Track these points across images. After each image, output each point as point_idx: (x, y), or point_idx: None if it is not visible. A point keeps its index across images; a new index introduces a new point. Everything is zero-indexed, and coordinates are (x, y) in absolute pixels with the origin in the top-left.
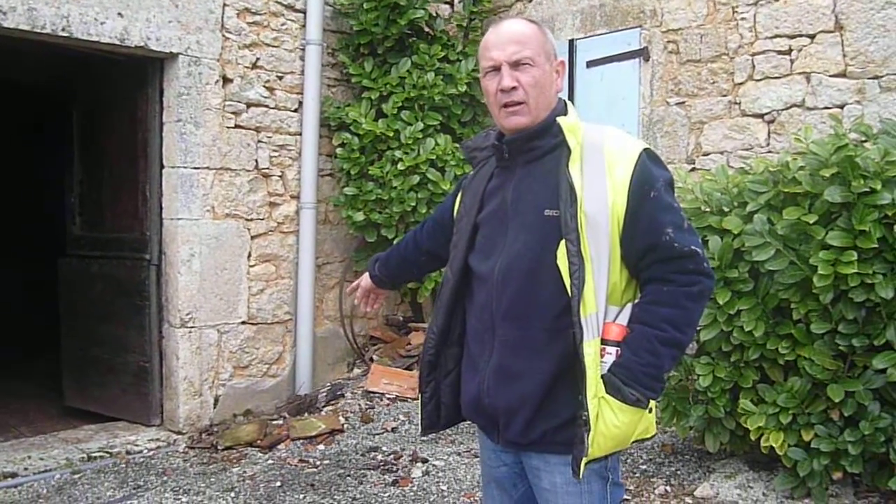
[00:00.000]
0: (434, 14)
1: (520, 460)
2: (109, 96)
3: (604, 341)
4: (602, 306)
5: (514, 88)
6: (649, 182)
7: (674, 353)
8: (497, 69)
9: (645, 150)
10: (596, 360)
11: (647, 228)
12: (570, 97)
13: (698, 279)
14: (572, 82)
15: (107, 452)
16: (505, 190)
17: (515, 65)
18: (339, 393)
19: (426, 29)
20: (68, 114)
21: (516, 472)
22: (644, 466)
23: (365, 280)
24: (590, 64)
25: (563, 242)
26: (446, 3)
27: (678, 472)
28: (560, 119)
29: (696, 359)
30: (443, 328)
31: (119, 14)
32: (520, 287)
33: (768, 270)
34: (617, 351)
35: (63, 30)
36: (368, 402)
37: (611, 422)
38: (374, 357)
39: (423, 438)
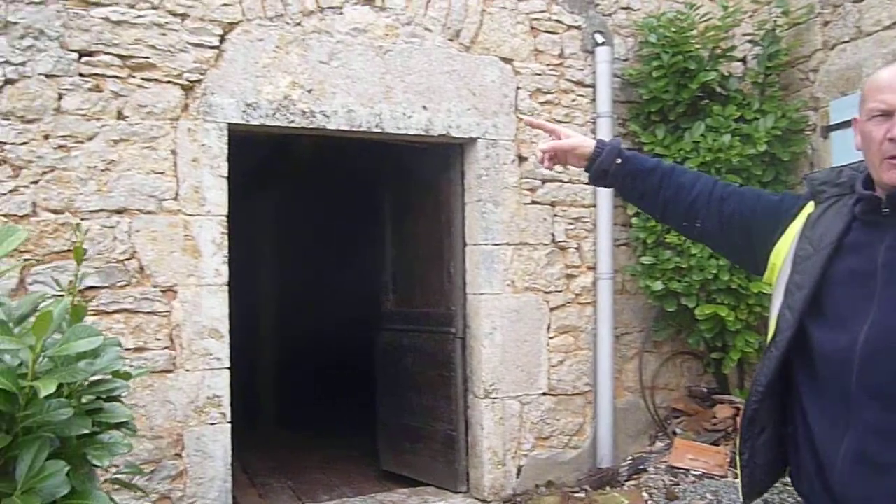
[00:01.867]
0: (726, 74)
1: None
2: (416, 180)
3: None
4: None
5: None
6: None
7: None
8: (888, 115)
9: None
10: None
11: None
12: None
13: None
14: None
15: None
16: (873, 248)
17: None
18: (641, 467)
19: (719, 90)
20: (380, 197)
21: None
22: None
23: (576, 142)
24: None
25: None
26: (738, 60)
27: None
28: None
29: None
30: (772, 380)
31: (423, 107)
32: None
33: None
34: None
35: (376, 126)
36: (672, 479)
37: None
38: (677, 430)
39: None
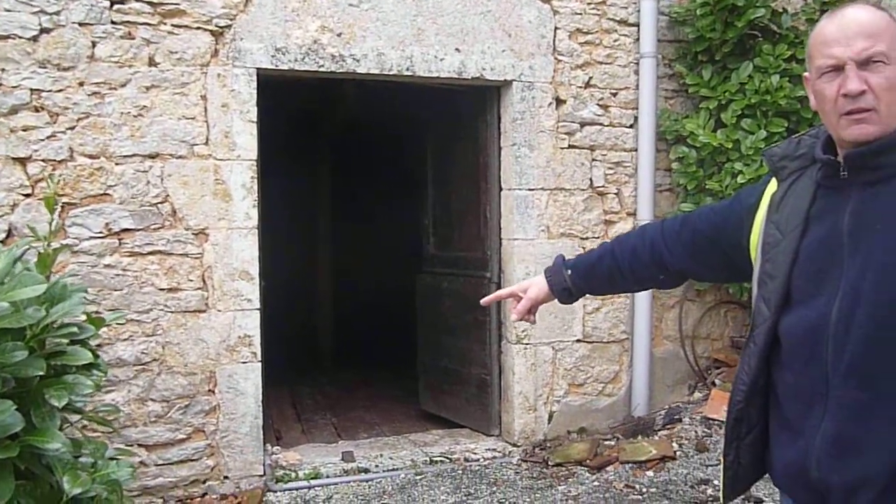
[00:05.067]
0: (780, 10)
1: None
2: (455, 124)
3: None
4: None
5: (862, 93)
6: None
7: None
8: (839, 69)
9: None
10: None
11: None
12: None
13: None
14: None
15: (447, 458)
16: (837, 215)
17: (864, 63)
18: (675, 417)
19: (772, 27)
20: (423, 141)
21: None
22: None
23: (535, 291)
24: None
25: None
26: None
27: None
28: None
29: None
30: (755, 378)
31: (456, 49)
32: (868, 336)
33: None
34: None
35: (407, 69)
36: (706, 430)
37: None
38: (717, 381)
39: None
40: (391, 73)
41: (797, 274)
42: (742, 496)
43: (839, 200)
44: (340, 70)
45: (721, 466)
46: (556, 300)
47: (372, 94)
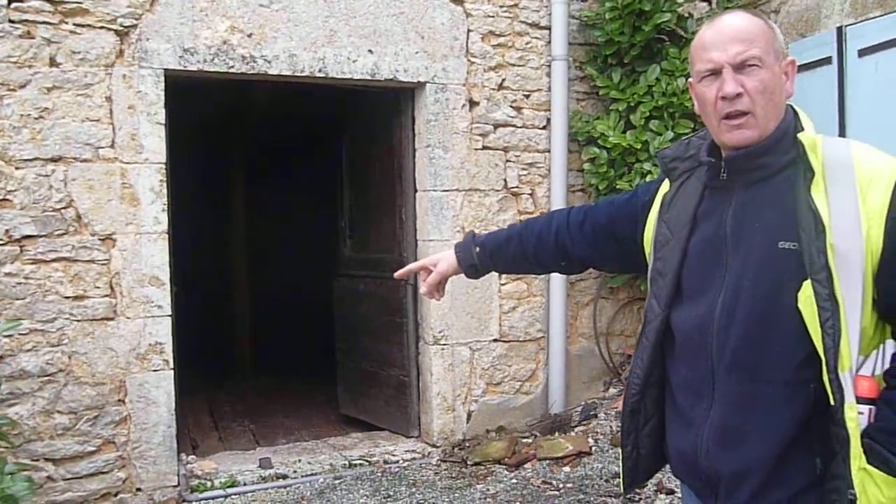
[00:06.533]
0: (686, 15)
1: None
2: (370, 126)
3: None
4: (855, 359)
5: (738, 96)
6: None
7: None
8: (717, 73)
9: None
10: (858, 424)
11: None
12: (840, 91)
13: None
14: (842, 74)
15: (366, 461)
16: (721, 215)
17: (740, 67)
18: (591, 413)
19: (678, 31)
20: (339, 143)
21: None
22: None
23: (445, 265)
24: (862, 53)
25: (807, 283)
26: (703, 0)
27: None
28: (801, 135)
29: None
30: (648, 372)
31: (369, 51)
32: (748, 333)
33: None
34: (870, 410)
35: (319, 71)
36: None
37: (875, 498)
38: None
39: None
40: (304, 74)
41: (686, 272)
42: (656, 488)
43: (723, 200)
44: (251, 71)
45: (621, 456)
46: (461, 272)
47: (287, 95)
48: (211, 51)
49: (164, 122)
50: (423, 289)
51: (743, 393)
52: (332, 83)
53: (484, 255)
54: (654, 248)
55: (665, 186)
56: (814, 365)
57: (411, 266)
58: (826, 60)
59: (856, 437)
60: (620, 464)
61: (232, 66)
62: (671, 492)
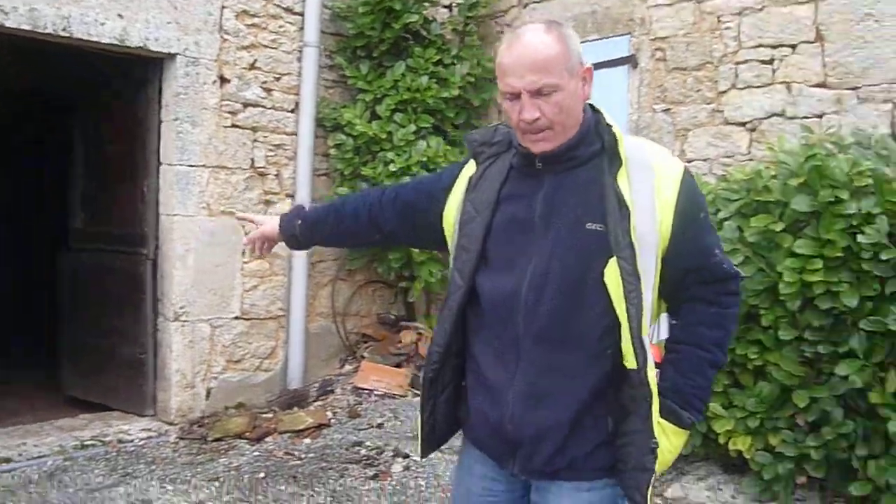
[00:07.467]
0: (430, 18)
1: (525, 492)
2: (113, 95)
3: None
4: (650, 326)
5: (536, 120)
6: (697, 204)
7: (714, 375)
8: (517, 96)
9: (686, 169)
10: (655, 383)
11: (695, 250)
12: None
13: (737, 301)
14: None
15: (99, 441)
16: (531, 198)
17: (537, 93)
18: (329, 388)
19: (422, 33)
20: (72, 106)
21: (513, 502)
22: None
23: (269, 228)
24: None
25: (613, 260)
26: (445, 6)
27: None
28: (615, 130)
29: None
30: (449, 341)
31: (119, 15)
32: (557, 307)
33: None
34: (657, 373)
35: (64, 30)
36: (357, 399)
37: (665, 447)
38: (366, 354)
39: (407, 434)
40: (45, 30)
41: (491, 247)
42: (393, 452)
43: (533, 184)
44: None
45: (419, 423)
46: (283, 240)
47: (28, 55)
48: None
49: None
50: (244, 240)
51: (548, 361)
52: (78, 44)
53: (304, 228)
54: (458, 225)
55: (470, 168)
56: (613, 334)
57: (246, 216)
58: None
59: (656, 395)
60: (418, 430)
61: None
62: (406, 456)
